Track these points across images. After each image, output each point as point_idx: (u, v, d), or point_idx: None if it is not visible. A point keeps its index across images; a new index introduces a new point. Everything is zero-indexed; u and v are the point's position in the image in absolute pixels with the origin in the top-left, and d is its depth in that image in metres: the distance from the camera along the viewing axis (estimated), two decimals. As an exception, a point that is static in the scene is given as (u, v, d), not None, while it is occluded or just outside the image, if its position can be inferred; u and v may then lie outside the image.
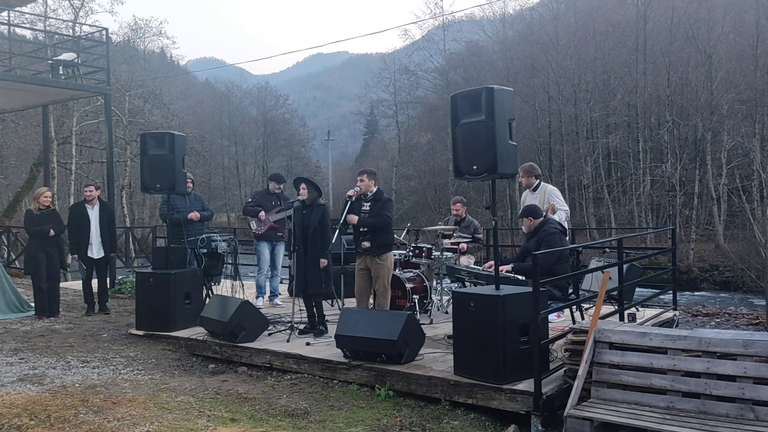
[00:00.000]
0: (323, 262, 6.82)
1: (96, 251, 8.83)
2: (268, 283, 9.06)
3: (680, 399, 4.19)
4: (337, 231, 6.77)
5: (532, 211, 6.80)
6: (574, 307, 6.55)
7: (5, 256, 13.51)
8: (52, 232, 8.52)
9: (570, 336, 5.01)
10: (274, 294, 9.10)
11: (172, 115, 29.89)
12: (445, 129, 40.27)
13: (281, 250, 9.07)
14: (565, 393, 4.74)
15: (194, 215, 8.54)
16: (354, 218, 6.77)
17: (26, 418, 4.79)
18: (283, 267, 9.85)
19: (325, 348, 6.31)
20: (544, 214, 6.88)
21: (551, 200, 7.38)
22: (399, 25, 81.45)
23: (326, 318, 7.09)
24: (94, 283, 9.20)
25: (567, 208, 7.64)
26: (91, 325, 8.28)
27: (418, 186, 45.43)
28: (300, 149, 63.09)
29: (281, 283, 9.76)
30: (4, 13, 15.53)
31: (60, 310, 8.94)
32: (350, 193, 6.92)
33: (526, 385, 4.84)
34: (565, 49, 36.01)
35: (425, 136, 46.99)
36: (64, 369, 6.22)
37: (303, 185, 7.00)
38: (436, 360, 5.74)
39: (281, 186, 9.00)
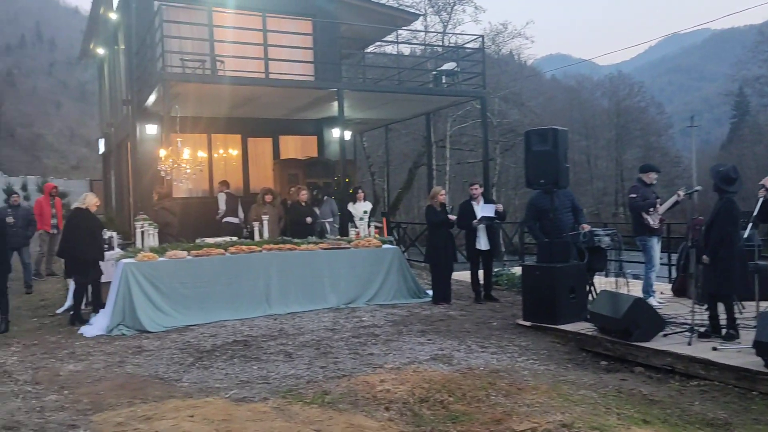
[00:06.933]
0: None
1: (484, 244, 9.48)
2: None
3: None
4: (750, 224, 6.04)
5: None
6: None
7: (403, 249, 15.33)
8: (453, 218, 9.37)
9: None
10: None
11: (530, 112, 30.66)
12: None
13: (659, 244, 8.65)
14: None
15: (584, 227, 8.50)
16: None
17: (446, 394, 5.29)
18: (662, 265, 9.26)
19: (737, 355, 5.69)
20: None
21: None
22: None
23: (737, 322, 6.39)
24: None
25: None
26: (481, 314, 8.86)
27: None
28: (655, 139, 58.81)
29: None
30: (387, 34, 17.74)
31: (452, 298, 9.78)
32: None
33: None
34: None
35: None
36: (467, 352, 6.74)
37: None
38: None
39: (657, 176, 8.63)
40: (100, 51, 20.05)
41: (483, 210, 9.47)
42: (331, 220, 12.06)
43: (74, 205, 8.98)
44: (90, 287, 8.87)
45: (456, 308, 9.25)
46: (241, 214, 12.38)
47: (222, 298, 8.69)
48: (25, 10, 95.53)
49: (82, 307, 8.84)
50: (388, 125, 18.04)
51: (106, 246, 9.46)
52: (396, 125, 20.52)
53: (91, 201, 8.83)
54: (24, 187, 33.45)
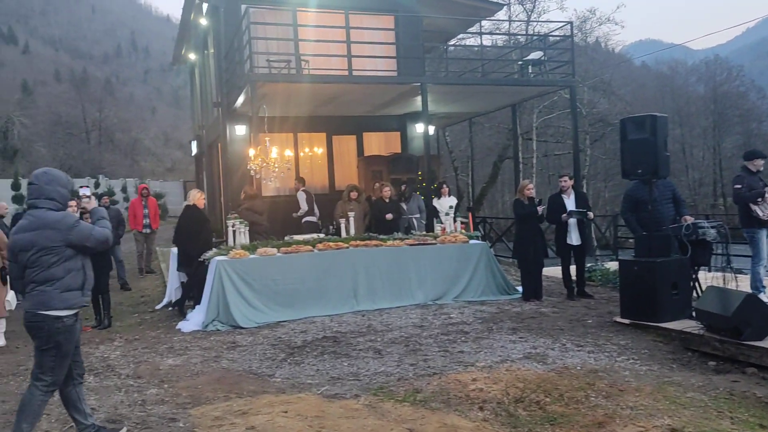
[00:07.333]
0: None
1: (576, 239, 9.14)
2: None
3: None
4: None
5: None
6: None
7: (490, 245, 15.11)
8: (540, 208, 9.13)
9: None
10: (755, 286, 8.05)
11: (620, 100, 29.45)
12: None
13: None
14: None
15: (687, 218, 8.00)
16: None
17: (542, 394, 5.08)
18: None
19: None
20: None
21: None
22: None
23: None
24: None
25: None
26: (575, 311, 8.52)
27: None
28: (756, 125, 55.20)
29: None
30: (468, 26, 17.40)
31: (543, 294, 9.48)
32: None
33: None
34: None
35: None
36: (561, 351, 6.48)
37: None
38: None
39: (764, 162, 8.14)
40: (192, 56, 20.79)
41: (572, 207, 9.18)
42: (418, 216, 11.97)
43: (184, 203, 9.38)
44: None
45: (548, 305, 8.95)
46: (317, 211, 12.48)
47: (311, 295, 8.78)
48: (120, 21, 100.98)
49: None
50: (472, 119, 17.75)
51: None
52: (479, 119, 20.24)
53: (195, 197, 9.19)
54: (124, 189, 35.34)
